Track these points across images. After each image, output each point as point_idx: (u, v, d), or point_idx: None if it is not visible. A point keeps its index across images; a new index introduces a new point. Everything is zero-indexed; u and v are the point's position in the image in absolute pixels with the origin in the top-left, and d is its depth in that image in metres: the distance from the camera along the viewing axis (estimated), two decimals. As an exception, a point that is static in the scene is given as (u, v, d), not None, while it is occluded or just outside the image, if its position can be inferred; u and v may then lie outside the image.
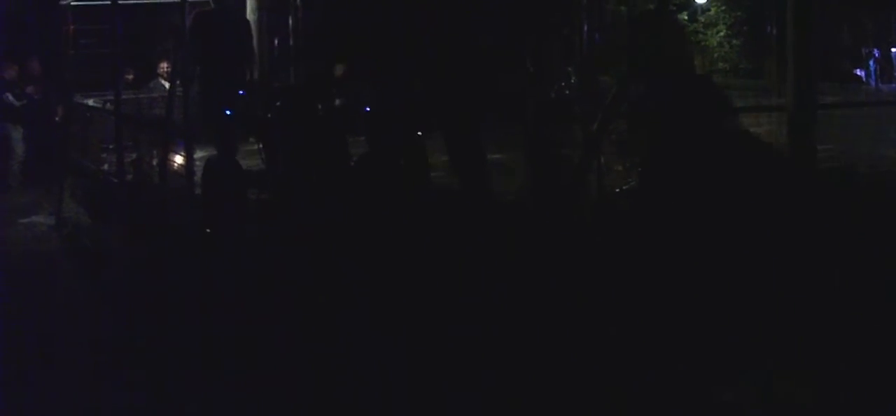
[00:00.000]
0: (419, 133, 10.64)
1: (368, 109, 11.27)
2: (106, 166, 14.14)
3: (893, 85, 22.95)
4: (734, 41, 24.53)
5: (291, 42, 16.04)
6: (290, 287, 8.42)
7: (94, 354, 7.40)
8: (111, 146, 13.79)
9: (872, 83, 23.15)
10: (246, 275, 8.86)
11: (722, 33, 24.65)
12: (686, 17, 24.61)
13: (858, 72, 23.51)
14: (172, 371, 6.89)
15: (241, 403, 6.35)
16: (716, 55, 25.08)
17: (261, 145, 11.37)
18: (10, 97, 16.30)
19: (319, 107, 10.99)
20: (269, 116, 11.05)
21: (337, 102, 11.59)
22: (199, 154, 11.52)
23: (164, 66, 16.65)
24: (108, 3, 13.37)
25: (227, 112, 11.62)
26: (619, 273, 8.54)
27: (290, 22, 16.09)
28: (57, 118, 16.40)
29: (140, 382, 6.78)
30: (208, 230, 10.61)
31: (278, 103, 11.07)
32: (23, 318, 8.53)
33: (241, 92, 11.73)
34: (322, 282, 8.50)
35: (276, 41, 17.09)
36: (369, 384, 6.45)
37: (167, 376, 6.83)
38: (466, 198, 9.99)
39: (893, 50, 23.52)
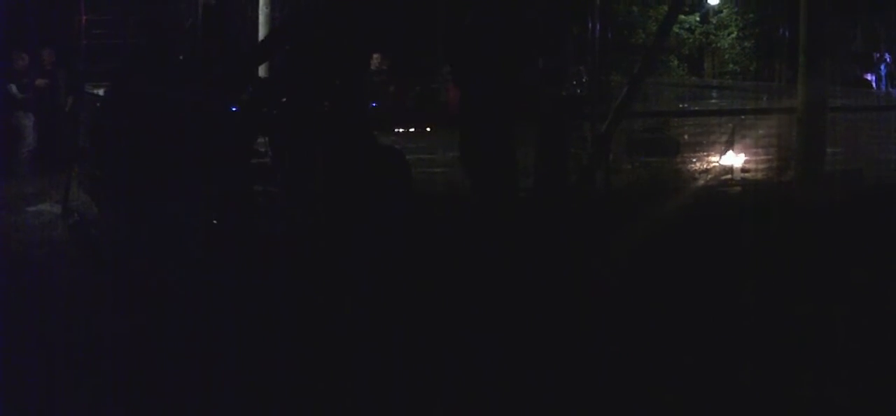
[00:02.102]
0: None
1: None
2: (115, 156, 14.12)
3: (904, 90, 22.92)
4: (745, 43, 24.49)
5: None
6: (292, 283, 8.42)
7: (94, 344, 7.38)
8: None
9: (882, 88, 23.11)
10: (249, 268, 8.86)
11: (733, 35, 24.61)
12: (698, 19, 24.60)
13: (868, 76, 23.47)
14: (171, 363, 6.88)
15: (238, 396, 6.35)
16: (727, 57, 25.04)
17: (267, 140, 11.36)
18: (14, 88, 16.29)
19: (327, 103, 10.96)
20: (275, 111, 11.02)
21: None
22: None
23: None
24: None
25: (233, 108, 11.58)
26: (623, 267, 8.55)
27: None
28: (67, 108, 16.40)
29: (139, 373, 6.77)
30: (215, 221, 10.61)
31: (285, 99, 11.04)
32: (24, 306, 8.51)
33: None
34: (323, 277, 8.52)
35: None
36: (372, 383, 6.43)
37: (165, 368, 6.81)
38: (478, 193, 9.97)
39: (905, 55, 23.50)
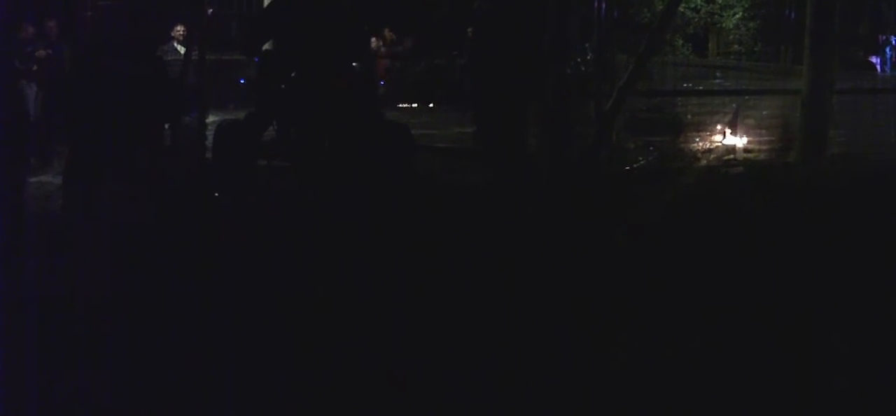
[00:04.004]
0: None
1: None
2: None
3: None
4: (750, 24, 24.43)
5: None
6: (292, 260, 8.43)
7: (91, 316, 7.36)
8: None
9: (887, 71, 23.06)
10: (250, 241, 8.86)
11: (738, 16, 24.55)
12: (703, -1, 24.57)
13: (873, 59, 23.41)
14: (167, 338, 6.87)
15: (234, 364, 6.34)
16: (731, 37, 24.98)
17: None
18: (17, 62, 16.24)
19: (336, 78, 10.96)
20: (283, 85, 11.01)
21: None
22: (210, 118, 11.55)
23: (179, 29, 16.61)
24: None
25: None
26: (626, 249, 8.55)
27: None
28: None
29: (134, 346, 6.75)
30: (216, 195, 10.63)
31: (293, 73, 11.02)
32: (24, 275, 8.50)
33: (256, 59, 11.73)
34: (324, 255, 8.53)
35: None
36: (372, 365, 6.43)
37: (161, 344, 6.80)
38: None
39: (910, 38, 23.45)
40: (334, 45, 10.60)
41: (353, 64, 10.82)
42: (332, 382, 6.15)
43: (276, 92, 10.94)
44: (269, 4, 12.14)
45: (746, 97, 13.77)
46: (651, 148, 12.75)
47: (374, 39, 17.36)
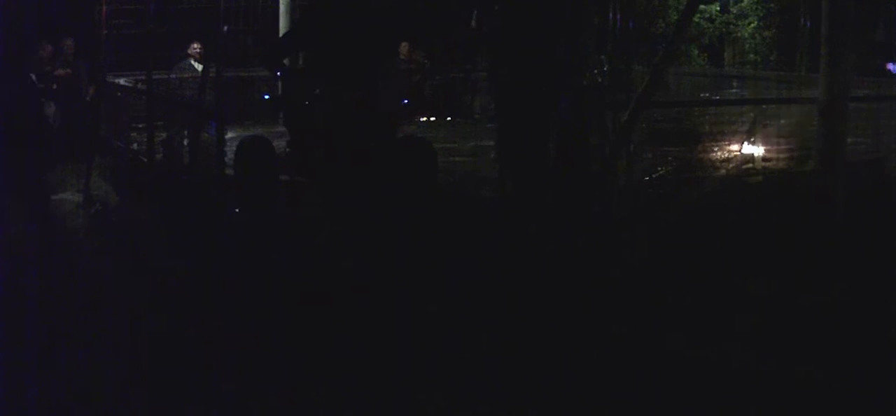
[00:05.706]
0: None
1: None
2: (135, 146, 14.18)
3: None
4: (766, 33, 24.38)
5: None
6: (311, 273, 8.46)
7: (113, 334, 7.39)
8: (141, 126, 13.85)
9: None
10: (272, 257, 8.90)
11: (753, 25, 24.51)
12: (718, 9, 24.53)
13: (890, 66, 23.31)
14: (188, 353, 6.89)
15: (254, 387, 6.36)
16: (747, 47, 24.94)
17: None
18: (33, 77, 16.32)
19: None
20: (307, 101, 11.03)
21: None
22: (230, 135, 11.62)
23: (195, 46, 16.66)
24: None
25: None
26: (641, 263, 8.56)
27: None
28: (88, 97, 16.45)
29: (156, 363, 6.78)
30: (237, 210, 10.66)
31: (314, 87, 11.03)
32: (44, 292, 8.54)
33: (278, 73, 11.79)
34: (343, 267, 8.56)
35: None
36: (384, 376, 6.45)
37: (182, 357, 6.82)
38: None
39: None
40: (359, 60, 10.63)
41: (377, 81, 10.85)
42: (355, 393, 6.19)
43: (299, 107, 10.96)
44: (296, 21, 12.20)
45: (763, 106, 13.75)
46: (669, 158, 12.74)
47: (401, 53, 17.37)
